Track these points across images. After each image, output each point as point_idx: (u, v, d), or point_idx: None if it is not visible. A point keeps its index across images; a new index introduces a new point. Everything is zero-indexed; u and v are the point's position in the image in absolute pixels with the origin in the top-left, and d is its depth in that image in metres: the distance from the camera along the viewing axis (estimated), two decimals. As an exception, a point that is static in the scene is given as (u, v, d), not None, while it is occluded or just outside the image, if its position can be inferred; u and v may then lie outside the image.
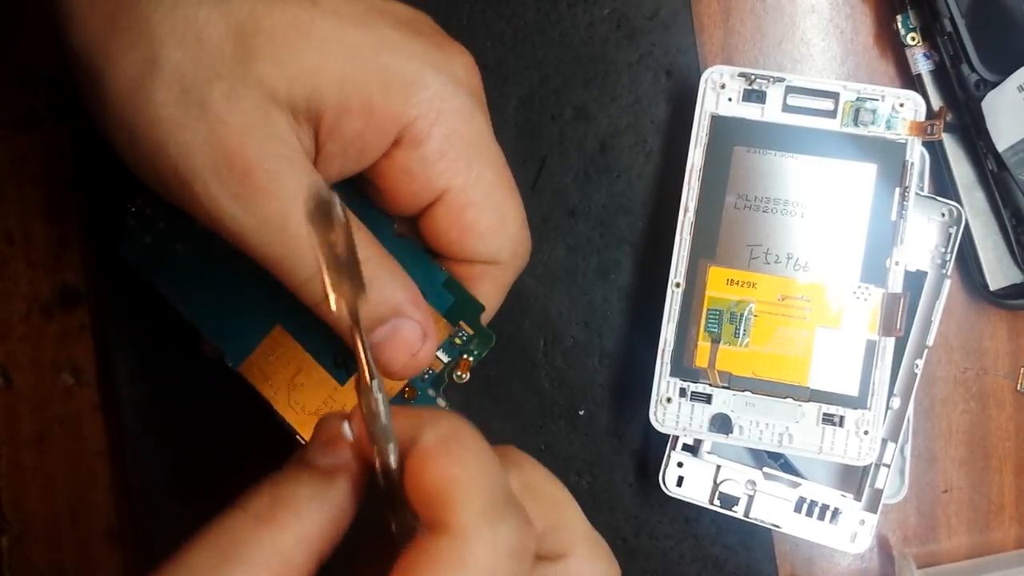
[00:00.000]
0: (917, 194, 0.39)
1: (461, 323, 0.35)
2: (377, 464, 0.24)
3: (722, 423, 0.38)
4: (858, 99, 0.38)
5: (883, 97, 0.38)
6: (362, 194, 0.35)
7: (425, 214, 0.34)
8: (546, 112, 0.42)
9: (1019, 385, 0.44)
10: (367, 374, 0.23)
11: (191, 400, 0.42)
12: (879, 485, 0.40)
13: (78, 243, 0.43)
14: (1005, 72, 0.39)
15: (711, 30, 0.43)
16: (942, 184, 0.42)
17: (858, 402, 0.38)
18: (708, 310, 0.38)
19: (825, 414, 0.38)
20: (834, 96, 0.39)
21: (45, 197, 0.43)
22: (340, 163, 0.32)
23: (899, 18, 0.41)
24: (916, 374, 0.40)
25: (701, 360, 0.38)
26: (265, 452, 0.41)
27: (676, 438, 0.40)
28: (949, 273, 0.40)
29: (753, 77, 0.39)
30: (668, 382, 0.38)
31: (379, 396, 0.23)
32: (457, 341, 0.35)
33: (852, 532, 0.40)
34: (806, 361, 0.38)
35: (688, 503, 0.40)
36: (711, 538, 0.43)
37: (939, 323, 0.40)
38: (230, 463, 0.42)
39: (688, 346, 0.38)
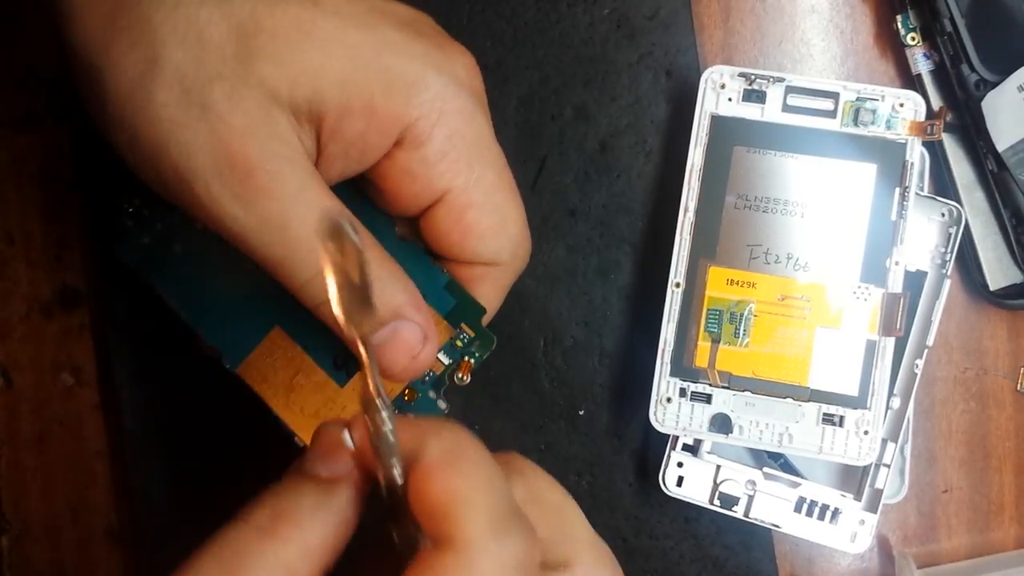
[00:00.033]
0: (917, 194, 0.39)
1: (462, 325, 0.35)
2: (381, 477, 0.24)
3: (722, 423, 0.38)
4: (858, 99, 0.38)
5: (883, 97, 0.38)
6: (363, 195, 0.35)
7: (426, 215, 0.34)
8: (546, 112, 0.42)
9: (1019, 385, 0.44)
10: (375, 392, 0.23)
11: (191, 400, 0.42)
12: (879, 485, 0.40)
13: (78, 243, 0.43)
14: (1005, 72, 0.39)
15: (711, 30, 0.43)
16: (942, 184, 0.42)
17: (858, 402, 0.38)
18: (708, 310, 0.38)
19: (825, 414, 0.38)
20: (834, 96, 0.39)
21: (45, 197, 0.43)
22: (342, 164, 0.32)
23: (899, 18, 0.41)
24: (916, 374, 0.40)
25: (701, 360, 0.38)
26: (265, 452, 0.41)
27: (676, 438, 0.40)
28: (949, 273, 0.40)
29: (753, 77, 0.39)
30: (668, 382, 0.38)
31: (386, 413, 0.23)
32: (458, 343, 0.35)
33: (852, 532, 0.40)
34: (806, 361, 0.38)
35: (688, 503, 0.40)
36: (711, 538, 0.43)
37: (939, 323, 0.40)
38: (230, 463, 0.42)
39: (688, 346, 0.38)
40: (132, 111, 0.30)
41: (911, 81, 0.42)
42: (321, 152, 0.32)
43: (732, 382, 0.38)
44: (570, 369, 0.42)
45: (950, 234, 0.40)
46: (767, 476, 0.40)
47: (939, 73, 0.41)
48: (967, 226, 0.41)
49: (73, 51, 0.31)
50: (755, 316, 0.38)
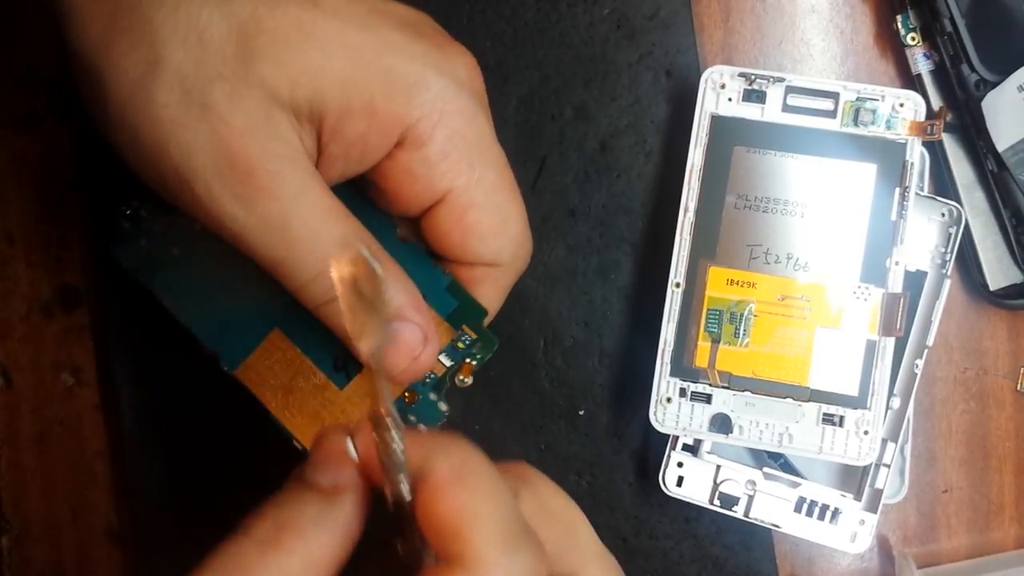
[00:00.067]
0: (917, 194, 0.39)
1: (464, 327, 0.35)
2: (388, 492, 0.24)
3: (722, 423, 0.38)
4: (858, 99, 0.38)
5: (883, 97, 0.38)
6: (364, 195, 0.35)
7: (427, 215, 0.34)
8: (546, 112, 0.42)
9: (1019, 385, 0.44)
10: (385, 410, 0.23)
11: (191, 400, 0.42)
12: (879, 485, 0.40)
13: (78, 243, 0.43)
14: (1005, 72, 0.39)
15: (711, 30, 0.43)
16: (942, 184, 0.42)
17: (858, 402, 0.38)
18: (708, 310, 0.38)
19: (825, 414, 0.38)
20: (834, 96, 0.39)
21: (45, 197, 0.43)
22: (342, 164, 0.32)
23: (899, 18, 0.41)
24: (916, 374, 0.40)
25: (701, 360, 0.38)
26: (265, 452, 0.41)
27: (676, 438, 0.40)
28: (949, 273, 0.40)
29: (753, 77, 0.39)
30: (668, 382, 0.38)
31: (395, 432, 0.23)
32: (459, 345, 0.35)
33: (852, 532, 0.40)
34: (806, 361, 0.38)
35: (688, 503, 0.40)
36: (711, 538, 0.43)
37: (939, 323, 0.40)
38: (230, 463, 0.42)
39: (688, 346, 0.38)
40: (133, 112, 0.30)
41: (911, 81, 0.42)
42: (322, 152, 0.32)
43: (732, 382, 0.38)
44: (570, 369, 0.42)
45: (950, 234, 0.40)
46: (767, 476, 0.40)
47: (939, 73, 0.41)
48: (967, 226, 0.41)
49: (74, 52, 0.31)
50: (755, 316, 0.38)
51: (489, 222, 0.34)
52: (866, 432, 0.38)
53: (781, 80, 0.39)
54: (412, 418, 0.35)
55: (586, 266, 0.42)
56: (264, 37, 0.30)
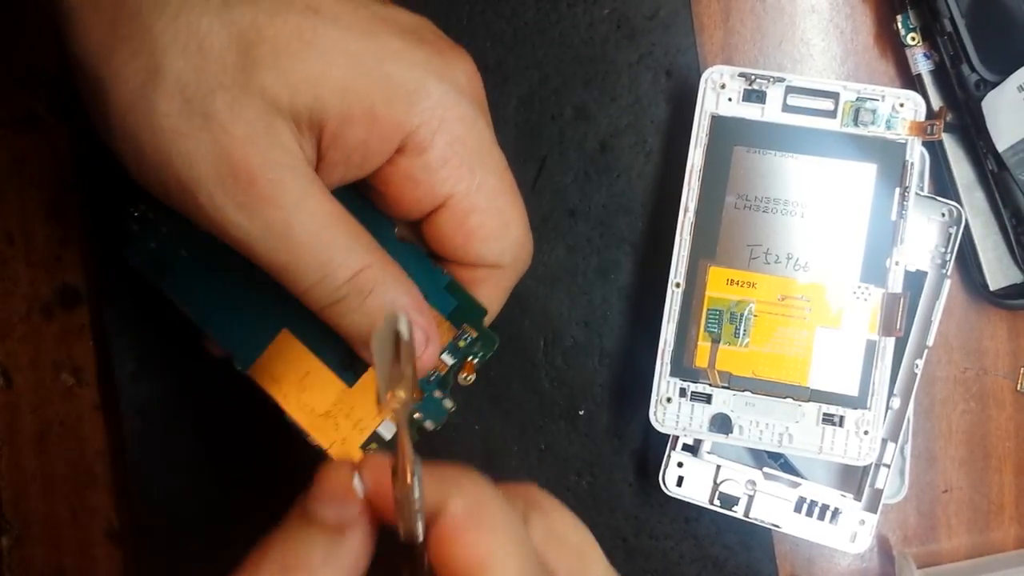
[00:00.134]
0: (917, 194, 0.39)
1: (464, 326, 0.35)
2: (400, 530, 0.23)
3: (722, 423, 0.38)
4: (858, 99, 0.38)
5: (883, 97, 0.38)
6: (364, 197, 0.35)
7: (428, 219, 0.34)
8: (546, 112, 0.42)
9: (1019, 385, 0.44)
10: (407, 457, 0.23)
11: (191, 400, 0.42)
12: (879, 485, 0.40)
13: (78, 243, 0.43)
14: (1005, 72, 0.39)
15: (711, 30, 0.43)
16: (942, 184, 0.42)
17: (858, 402, 0.38)
18: (708, 310, 0.38)
19: (825, 414, 0.38)
20: (834, 96, 0.39)
21: (45, 197, 0.43)
22: (343, 170, 0.32)
23: (899, 18, 0.41)
24: (916, 374, 0.40)
25: (701, 360, 0.38)
26: (265, 452, 0.41)
27: (676, 438, 0.40)
28: (949, 273, 0.40)
29: (753, 77, 0.39)
30: (668, 382, 0.38)
31: (415, 482, 0.23)
32: (461, 344, 0.36)
33: (852, 532, 0.40)
34: (806, 361, 0.38)
35: (688, 503, 0.40)
36: (711, 538, 0.43)
37: (939, 323, 0.40)
38: (230, 463, 0.42)
39: (688, 346, 0.38)
40: (134, 121, 0.30)
41: (911, 81, 0.42)
42: (322, 158, 0.32)
43: (732, 382, 0.38)
44: (570, 369, 0.42)
45: (950, 234, 0.40)
46: (767, 476, 0.40)
47: (939, 73, 0.41)
48: (967, 226, 0.41)
49: (75, 60, 0.31)
50: (755, 316, 0.38)
51: (491, 226, 0.34)
52: (866, 432, 0.38)
53: (781, 80, 0.39)
54: (417, 415, 0.36)
55: (586, 266, 0.42)
56: (264, 45, 0.30)
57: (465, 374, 0.36)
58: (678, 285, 0.38)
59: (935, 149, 0.42)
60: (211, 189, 0.30)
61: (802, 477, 0.40)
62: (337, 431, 0.35)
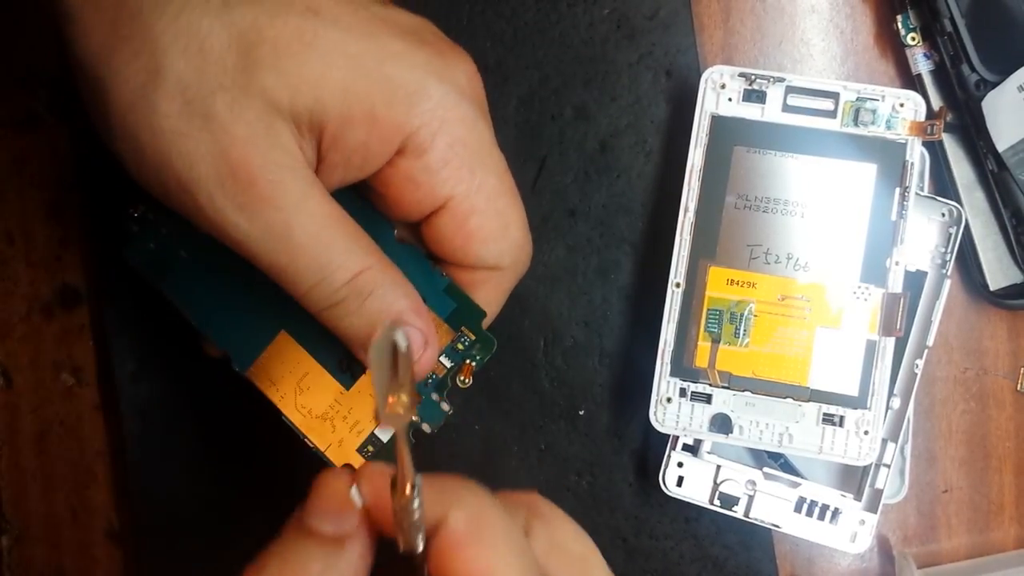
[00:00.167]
0: (917, 194, 0.39)
1: (463, 328, 0.35)
2: (400, 543, 0.23)
3: (722, 423, 0.38)
4: (858, 99, 0.38)
5: (883, 97, 0.38)
6: (363, 198, 0.35)
7: (428, 221, 0.34)
8: (546, 112, 0.42)
9: (1019, 385, 0.44)
10: (408, 474, 0.23)
11: (191, 400, 0.42)
12: (879, 485, 0.40)
13: (78, 243, 0.43)
14: (1005, 72, 0.39)
15: (711, 30, 0.43)
16: (942, 184, 0.42)
17: (858, 402, 0.38)
18: (708, 310, 0.38)
19: (825, 414, 0.38)
20: (834, 96, 0.38)
21: (45, 197, 0.43)
22: (343, 171, 0.32)
23: (899, 18, 0.41)
24: (916, 374, 0.40)
25: (701, 360, 0.38)
26: (265, 452, 0.41)
27: (676, 438, 0.40)
28: (949, 273, 0.40)
29: (753, 77, 0.39)
30: (668, 382, 0.38)
31: (415, 495, 0.23)
32: (459, 347, 0.35)
33: (852, 532, 0.40)
34: (806, 361, 0.38)
35: (688, 503, 0.40)
36: (711, 538, 0.43)
37: (939, 323, 0.40)
38: (230, 463, 0.42)
39: (688, 346, 0.38)
40: (134, 121, 0.30)
41: (911, 81, 0.42)
42: (322, 160, 0.32)
43: (732, 382, 0.38)
44: (570, 369, 0.42)
45: (950, 234, 0.40)
46: (767, 476, 0.40)
47: (939, 73, 0.41)
48: (967, 226, 0.41)
49: (76, 60, 0.31)
50: (755, 316, 0.38)
51: (490, 227, 0.34)
52: (866, 432, 0.38)
53: (781, 80, 0.39)
54: (415, 418, 0.36)
55: (586, 266, 0.42)
56: (265, 47, 0.30)
57: (463, 377, 0.36)
58: (678, 285, 0.38)
59: (935, 149, 0.42)
60: (211, 190, 0.30)
61: (802, 477, 0.40)
62: (334, 433, 0.35)
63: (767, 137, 0.38)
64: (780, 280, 0.38)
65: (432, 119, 0.32)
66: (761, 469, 0.40)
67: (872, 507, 0.40)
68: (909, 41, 0.41)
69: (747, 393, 0.38)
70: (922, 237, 0.40)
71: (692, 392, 0.38)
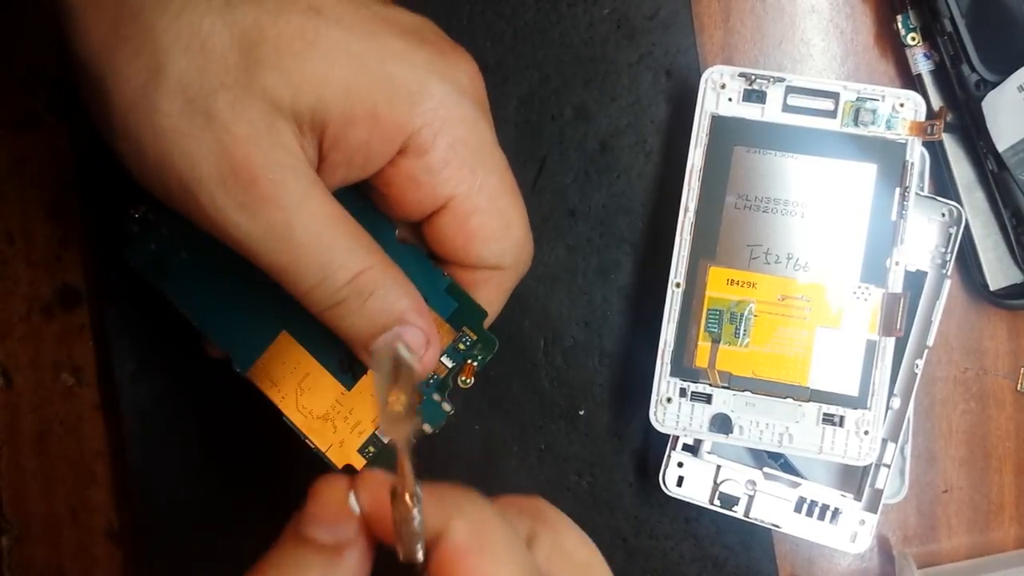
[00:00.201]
0: (917, 194, 0.39)
1: (464, 328, 0.35)
2: (400, 553, 0.23)
3: (722, 423, 0.38)
4: (858, 99, 0.38)
5: (883, 97, 0.38)
6: (365, 198, 0.35)
7: (430, 220, 0.34)
8: (546, 112, 0.42)
9: (1019, 385, 0.44)
10: (409, 486, 0.23)
11: (191, 400, 0.42)
12: (879, 485, 0.40)
13: (78, 243, 0.43)
14: (1005, 72, 0.39)
15: (711, 30, 0.43)
16: (942, 184, 0.42)
17: (858, 402, 0.38)
18: (708, 310, 0.38)
19: (825, 414, 0.38)
20: (834, 96, 0.38)
21: (46, 198, 0.43)
22: (344, 171, 0.32)
23: (899, 18, 0.41)
24: (916, 374, 0.40)
25: (701, 360, 0.38)
26: (265, 453, 0.41)
27: (676, 438, 0.40)
28: (949, 273, 0.40)
29: (753, 77, 0.39)
30: (668, 382, 0.38)
31: (417, 506, 0.23)
32: (461, 347, 0.35)
33: (852, 532, 0.40)
34: (806, 361, 0.38)
35: (688, 503, 0.40)
36: (711, 538, 0.43)
37: (939, 323, 0.40)
38: (230, 463, 0.42)
39: (688, 346, 0.38)
40: (136, 120, 0.30)
41: (911, 81, 0.42)
42: (324, 159, 0.32)
43: (732, 382, 0.38)
44: (570, 369, 0.42)
45: (950, 234, 0.40)
46: (767, 476, 0.40)
47: (939, 73, 0.41)
48: (967, 226, 0.41)
49: (77, 60, 0.31)
50: (755, 316, 0.38)
51: (492, 227, 0.34)
52: (866, 432, 0.38)
53: (781, 80, 0.39)
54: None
55: (586, 266, 0.42)
56: (267, 46, 0.30)
57: (464, 377, 0.36)
58: (678, 285, 0.38)
59: (935, 149, 0.42)
60: (212, 189, 0.30)
61: (802, 477, 0.40)
62: (335, 434, 0.35)
63: (767, 137, 0.38)
64: (780, 280, 0.38)
65: (434, 118, 0.32)
66: (761, 469, 0.40)
67: (872, 507, 0.40)
68: (909, 41, 0.41)
69: (747, 393, 0.38)
70: (922, 237, 0.40)
71: (692, 392, 0.38)
